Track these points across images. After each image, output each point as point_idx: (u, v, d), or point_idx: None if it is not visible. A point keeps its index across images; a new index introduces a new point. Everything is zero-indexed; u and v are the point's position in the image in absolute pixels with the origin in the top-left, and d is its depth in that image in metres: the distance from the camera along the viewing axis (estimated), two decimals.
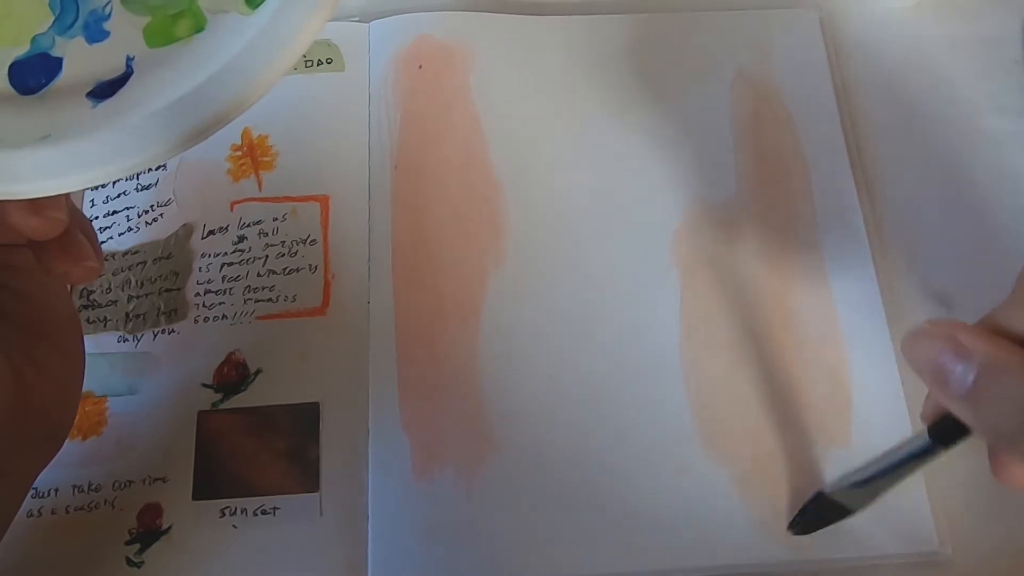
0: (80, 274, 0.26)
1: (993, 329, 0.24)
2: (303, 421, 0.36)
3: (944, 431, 0.27)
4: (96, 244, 0.27)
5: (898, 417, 0.36)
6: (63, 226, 0.25)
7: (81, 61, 0.23)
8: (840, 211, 0.40)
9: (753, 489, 0.35)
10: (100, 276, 0.39)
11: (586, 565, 0.34)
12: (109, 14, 0.23)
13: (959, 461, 0.35)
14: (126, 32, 0.23)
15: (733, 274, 0.39)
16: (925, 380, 0.25)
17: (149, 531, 0.35)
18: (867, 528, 0.34)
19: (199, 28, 0.23)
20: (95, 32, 0.23)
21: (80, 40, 0.23)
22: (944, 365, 0.24)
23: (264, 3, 0.23)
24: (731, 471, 0.35)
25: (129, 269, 0.39)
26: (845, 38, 0.44)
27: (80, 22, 0.23)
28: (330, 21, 0.44)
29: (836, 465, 0.35)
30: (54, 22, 0.23)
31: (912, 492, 0.35)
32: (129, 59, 0.23)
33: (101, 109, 0.23)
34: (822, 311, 0.38)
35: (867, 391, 0.36)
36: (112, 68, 0.23)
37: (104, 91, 0.23)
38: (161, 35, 0.23)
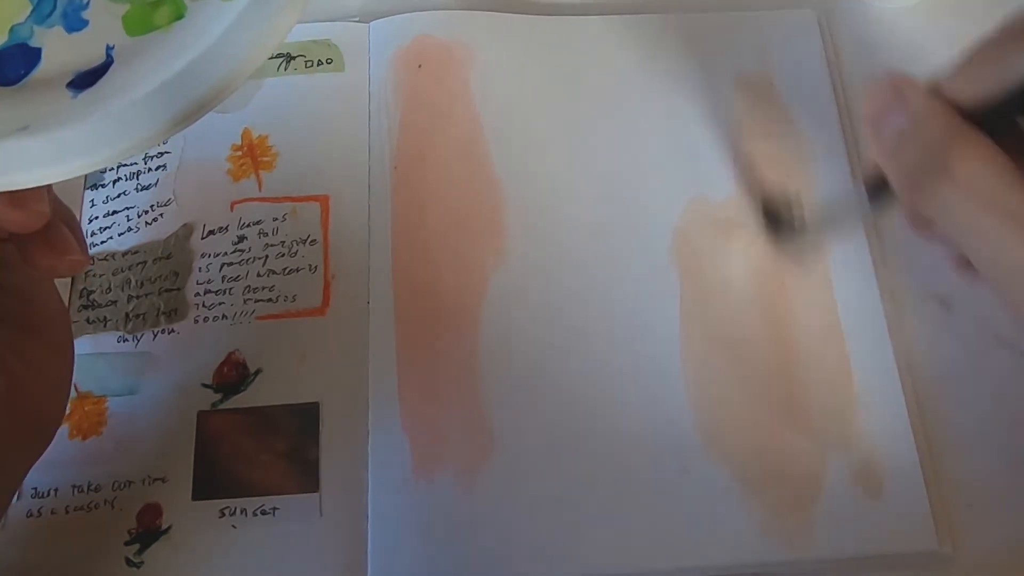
0: (65, 268, 0.26)
1: (935, 90, 0.25)
2: (303, 421, 0.36)
3: (874, 187, 0.28)
4: (80, 237, 0.27)
5: (898, 416, 0.36)
6: (45, 219, 0.24)
7: (60, 51, 0.23)
8: (839, 210, 0.40)
9: (754, 489, 0.35)
10: (91, 272, 0.39)
11: (586, 565, 0.34)
12: (87, 3, 0.23)
13: (959, 461, 0.36)
14: (105, 21, 0.23)
15: (733, 274, 0.39)
16: (866, 126, 0.27)
17: (149, 531, 0.35)
18: (867, 527, 0.34)
19: (179, 16, 0.23)
20: (74, 21, 0.23)
21: (59, 30, 0.23)
22: (882, 113, 0.26)
23: None
24: (732, 471, 0.35)
25: (129, 269, 0.39)
26: (844, 38, 0.44)
27: (58, 11, 0.23)
28: (330, 21, 0.44)
29: (837, 465, 0.35)
30: (32, 12, 0.23)
31: (912, 492, 0.35)
32: (109, 48, 0.23)
33: (81, 99, 0.22)
34: (822, 311, 0.38)
35: (867, 391, 0.36)
36: (92, 58, 0.23)
37: (84, 81, 0.23)
38: (140, 23, 0.23)
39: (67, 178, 0.22)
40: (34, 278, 0.29)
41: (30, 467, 0.30)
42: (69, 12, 0.23)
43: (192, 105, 0.22)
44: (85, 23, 0.23)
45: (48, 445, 0.30)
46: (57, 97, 0.23)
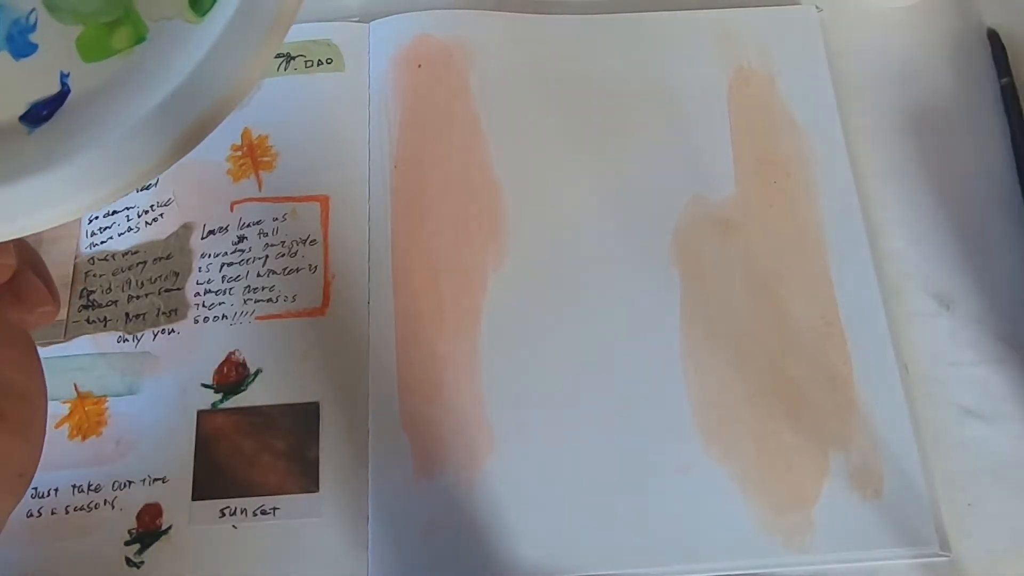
0: (35, 320, 0.24)
1: None
2: (303, 421, 0.36)
3: None
4: (52, 285, 0.25)
5: (899, 415, 0.36)
6: (11, 271, 0.23)
7: (9, 80, 0.20)
8: (839, 210, 0.40)
9: (754, 488, 0.35)
10: (91, 272, 0.39)
11: (586, 565, 0.34)
12: (34, 24, 0.21)
13: (959, 461, 0.36)
14: (57, 45, 0.21)
15: (733, 274, 0.39)
16: None
17: (149, 531, 0.35)
18: (867, 529, 0.34)
19: (139, 38, 0.21)
20: (21, 45, 0.20)
21: (5, 56, 0.20)
22: None
23: (213, 10, 0.20)
24: (732, 470, 0.35)
25: (129, 269, 0.39)
26: (845, 38, 0.44)
27: (2, 35, 0.20)
28: (330, 21, 0.44)
29: (837, 465, 0.35)
30: None
31: (912, 492, 0.35)
32: (63, 76, 0.21)
33: (39, 136, 0.20)
34: (822, 310, 0.38)
35: (867, 390, 0.36)
36: (45, 87, 0.20)
37: (39, 114, 0.20)
38: (97, 47, 0.21)
39: (30, 233, 0.20)
40: (3, 329, 0.26)
41: (8, 514, 0.27)
42: (15, 35, 0.20)
43: (169, 148, 0.19)
44: (34, 47, 0.21)
45: (26, 489, 0.28)
46: (11, 134, 0.20)
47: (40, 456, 0.28)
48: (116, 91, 0.20)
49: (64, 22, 0.21)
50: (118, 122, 0.20)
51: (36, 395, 0.28)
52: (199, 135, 0.20)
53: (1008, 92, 0.42)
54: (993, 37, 0.43)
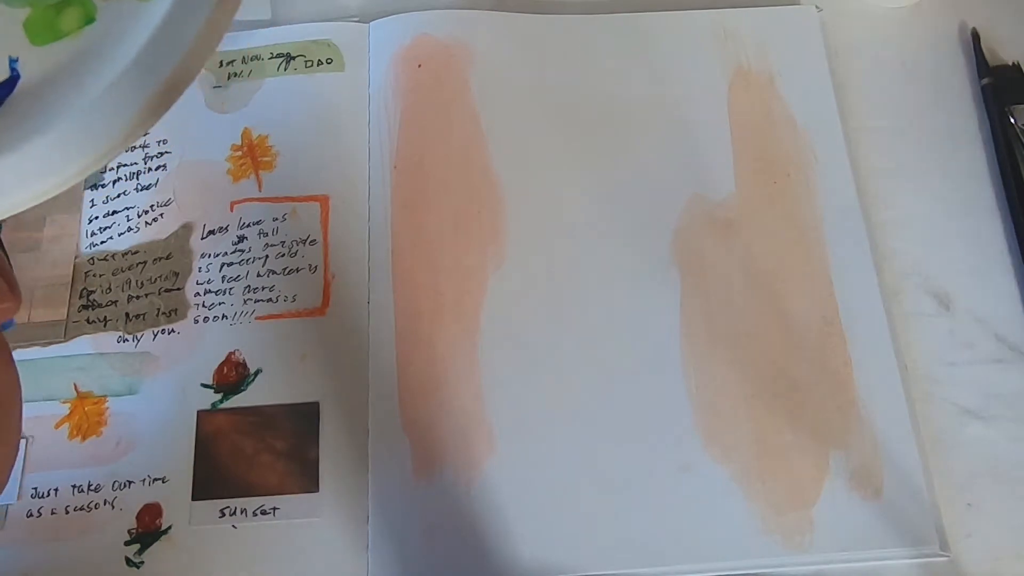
0: None
1: None
2: (303, 421, 0.36)
3: None
4: (11, 279, 0.24)
5: (899, 416, 0.36)
6: None
7: None
8: (840, 210, 0.40)
9: (754, 487, 0.35)
10: (91, 272, 0.39)
11: (587, 565, 0.34)
12: None
13: (959, 461, 0.36)
14: (4, 29, 0.20)
15: (733, 273, 0.39)
16: None
17: (149, 531, 0.35)
18: (867, 529, 0.34)
19: (88, 19, 0.20)
20: None
21: None
22: None
23: None
24: (732, 470, 0.35)
25: (129, 269, 0.39)
26: (845, 37, 0.44)
27: None
28: (330, 21, 0.44)
29: (837, 465, 0.35)
30: None
31: (912, 492, 0.35)
32: (12, 61, 0.20)
33: None
34: (822, 310, 0.38)
35: (867, 390, 0.36)
36: None
37: None
38: (45, 30, 0.20)
39: None
40: None
41: None
42: None
43: (125, 128, 0.19)
44: None
45: (3, 488, 0.27)
46: None
47: (15, 456, 0.28)
48: (68, 74, 0.20)
49: (11, 4, 0.20)
50: (72, 105, 0.19)
51: (7, 395, 0.27)
52: (156, 112, 0.19)
53: (988, 93, 0.42)
54: (975, 37, 0.43)
